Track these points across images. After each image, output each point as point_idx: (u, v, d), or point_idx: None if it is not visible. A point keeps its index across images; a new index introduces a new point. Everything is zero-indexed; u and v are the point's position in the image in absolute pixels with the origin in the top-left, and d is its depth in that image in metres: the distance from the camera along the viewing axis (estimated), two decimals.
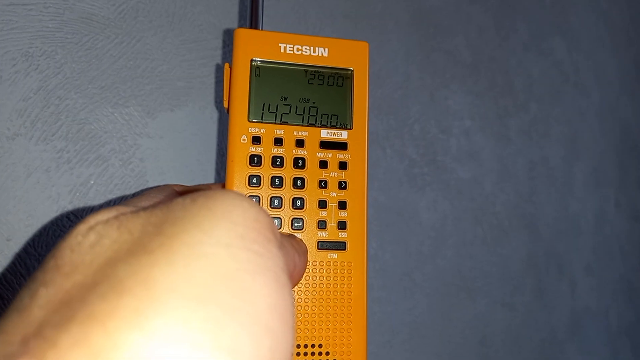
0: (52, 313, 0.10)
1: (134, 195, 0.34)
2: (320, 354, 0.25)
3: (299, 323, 0.24)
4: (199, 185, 0.26)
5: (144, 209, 0.13)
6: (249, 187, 0.25)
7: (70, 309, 0.10)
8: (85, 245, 0.12)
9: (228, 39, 0.39)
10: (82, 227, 0.13)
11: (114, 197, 0.33)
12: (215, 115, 0.38)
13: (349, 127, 0.27)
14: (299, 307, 0.25)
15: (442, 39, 0.50)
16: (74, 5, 0.35)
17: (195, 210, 0.13)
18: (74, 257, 0.12)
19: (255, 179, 0.25)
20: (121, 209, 0.14)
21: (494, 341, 0.47)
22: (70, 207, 0.32)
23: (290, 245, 0.19)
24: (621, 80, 0.62)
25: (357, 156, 0.27)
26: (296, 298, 0.25)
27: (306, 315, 0.25)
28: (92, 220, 0.13)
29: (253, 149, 0.25)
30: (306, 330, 0.25)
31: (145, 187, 0.35)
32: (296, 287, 0.25)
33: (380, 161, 0.45)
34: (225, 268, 0.11)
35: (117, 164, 0.34)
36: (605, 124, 0.59)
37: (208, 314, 0.11)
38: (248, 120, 0.25)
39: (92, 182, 0.33)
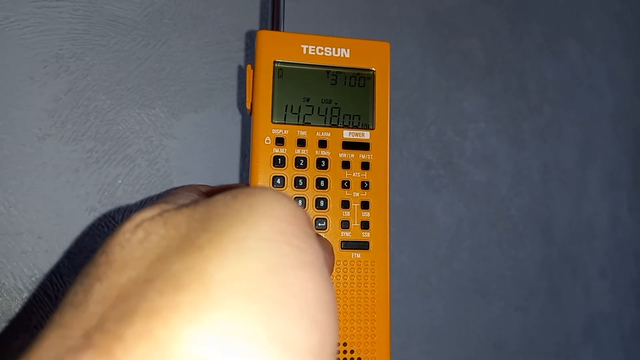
0: (111, 308, 0.11)
1: (160, 195, 0.35)
2: (345, 352, 0.25)
3: None
4: (223, 185, 0.27)
5: (185, 205, 0.14)
6: (273, 187, 0.25)
7: (129, 304, 0.11)
8: (134, 242, 0.13)
9: (250, 41, 0.40)
10: (129, 225, 0.13)
11: (141, 196, 0.35)
12: (236, 116, 0.39)
13: (371, 127, 0.27)
14: None
15: (457, 41, 0.51)
16: (102, 8, 0.36)
17: (237, 207, 0.13)
18: (124, 253, 0.13)
19: (279, 179, 0.25)
20: (163, 207, 0.14)
21: (508, 344, 0.48)
22: (98, 207, 0.33)
23: (321, 243, 0.20)
24: (635, 83, 0.62)
25: (380, 156, 0.27)
26: None
27: None
28: (138, 217, 0.14)
29: (277, 150, 0.26)
30: None
31: (170, 187, 0.36)
32: None
33: (397, 163, 0.46)
34: (270, 262, 0.12)
35: (143, 164, 0.35)
36: (619, 127, 0.59)
37: (260, 308, 0.11)
38: (271, 121, 0.26)
39: (120, 181, 0.34)
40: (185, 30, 0.38)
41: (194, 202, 0.14)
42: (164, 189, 0.35)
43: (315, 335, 0.12)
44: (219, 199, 0.14)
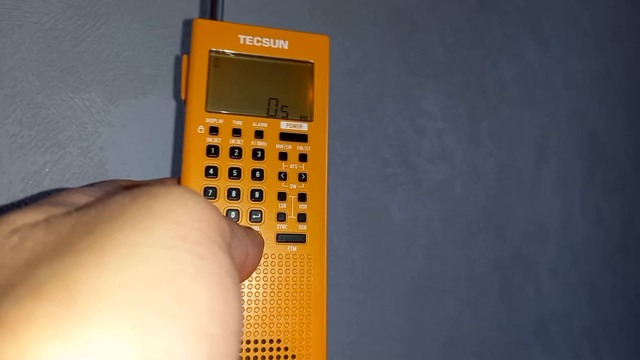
0: None
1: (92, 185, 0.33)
2: (279, 349, 0.25)
3: (256, 318, 0.25)
4: (150, 180, 0.26)
5: (78, 208, 0.13)
6: (205, 178, 0.25)
7: None
8: (6, 248, 0.11)
9: (187, 30, 0.39)
10: (4, 228, 0.12)
11: (71, 186, 0.33)
12: (182, 105, 0.38)
13: (309, 119, 0.27)
14: (257, 302, 0.25)
15: (418, 38, 0.51)
16: None
17: (134, 209, 0.12)
18: None
19: (212, 169, 0.25)
20: (51, 210, 0.13)
21: (460, 343, 0.48)
22: (22, 196, 0.31)
23: (245, 235, 0.19)
24: (591, 85, 0.64)
25: (318, 148, 0.27)
26: (254, 292, 0.25)
27: (264, 310, 0.25)
28: (18, 221, 0.12)
29: (210, 140, 0.25)
30: (264, 325, 0.25)
31: (105, 177, 0.34)
32: (254, 280, 0.25)
33: (353, 159, 0.46)
34: (163, 271, 0.11)
35: (75, 152, 0.33)
36: (574, 128, 0.61)
37: (139, 320, 0.10)
38: (205, 110, 0.25)
39: (47, 170, 0.32)
40: (128, 11, 0.37)
41: (89, 204, 0.13)
42: (98, 179, 0.34)
43: (203, 349, 0.11)
44: (116, 199, 0.12)
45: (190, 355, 0.10)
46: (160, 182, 0.24)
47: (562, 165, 0.59)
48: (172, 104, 0.37)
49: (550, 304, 0.54)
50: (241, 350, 0.24)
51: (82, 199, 0.15)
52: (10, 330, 0.09)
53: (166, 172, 0.37)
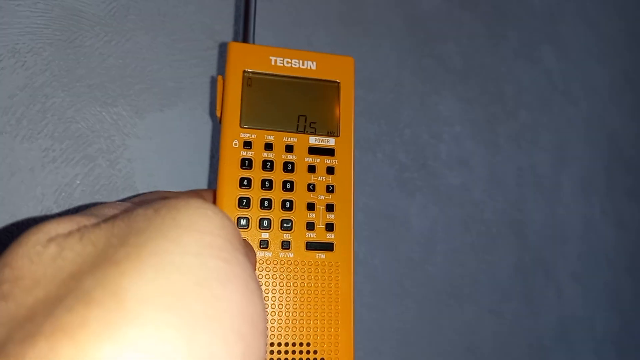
0: (16, 329, 0.10)
1: (125, 197, 0.34)
2: (308, 352, 0.26)
3: (287, 321, 0.25)
4: (188, 191, 0.27)
5: (105, 220, 0.13)
6: (240, 188, 0.26)
7: (35, 324, 0.10)
8: (46, 257, 0.12)
9: (222, 51, 0.40)
10: (40, 237, 0.13)
11: (101, 197, 0.34)
12: (205, 116, 0.39)
13: (336, 134, 0.29)
14: (288, 306, 0.25)
15: (434, 45, 0.52)
16: (63, 2, 0.35)
17: (158, 221, 0.13)
18: (34, 269, 0.12)
19: (246, 181, 0.26)
20: (81, 220, 0.14)
21: (481, 348, 0.48)
22: (54, 207, 0.33)
23: (246, 244, 0.20)
24: (609, 90, 0.64)
25: (344, 162, 0.28)
26: (285, 297, 0.26)
27: (295, 314, 0.26)
28: (52, 230, 0.13)
29: (244, 153, 0.27)
30: (294, 329, 0.25)
31: (132, 188, 0.35)
32: (285, 286, 0.26)
33: (371, 166, 0.46)
34: (195, 277, 0.12)
35: (104, 164, 0.34)
36: (593, 133, 0.61)
37: (180, 323, 0.11)
38: (240, 126, 0.27)
39: (78, 182, 0.33)
40: (152, 27, 0.38)
41: (114, 217, 0.14)
42: (126, 190, 0.35)
43: (238, 349, 0.12)
44: (140, 212, 0.13)
45: (228, 353, 0.11)
46: (197, 193, 0.25)
47: (581, 169, 0.59)
48: (196, 116, 0.38)
49: (571, 308, 0.54)
50: (272, 352, 0.25)
51: (110, 211, 0.16)
52: (67, 334, 0.10)
53: (190, 182, 0.38)
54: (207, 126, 0.39)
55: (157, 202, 0.14)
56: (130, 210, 0.14)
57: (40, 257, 0.12)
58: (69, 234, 0.13)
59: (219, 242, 0.13)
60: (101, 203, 0.17)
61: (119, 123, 0.35)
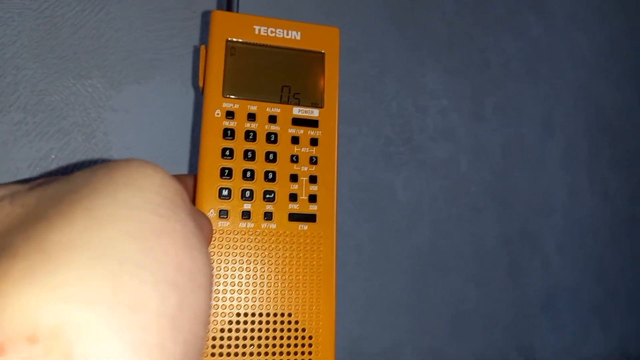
0: None
1: None
2: (289, 322, 0.26)
3: (269, 292, 0.26)
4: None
5: (40, 184, 0.14)
6: (222, 159, 0.26)
7: None
8: None
9: (206, 21, 0.39)
10: None
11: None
12: (184, 89, 0.38)
13: (320, 105, 0.29)
14: (269, 277, 0.26)
15: (419, 13, 0.51)
16: None
17: (95, 180, 0.13)
18: None
19: (228, 151, 0.26)
20: (16, 187, 0.14)
21: (467, 317, 0.50)
22: None
23: (199, 211, 0.20)
24: (595, 59, 0.64)
25: (328, 133, 0.29)
26: (267, 268, 0.26)
27: (276, 285, 0.26)
28: None
29: (227, 123, 0.27)
30: (276, 300, 0.26)
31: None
32: (267, 257, 0.26)
33: (356, 139, 0.46)
34: (129, 228, 0.12)
35: (79, 138, 0.34)
36: (579, 103, 0.62)
37: (107, 271, 0.11)
38: (222, 95, 0.27)
39: (53, 156, 0.33)
40: None
41: (48, 181, 0.14)
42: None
43: (172, 298, 0.12)
44: (77, 175, 0.13)
45: (159, 301, 0.12)
46: (177, 178, 0.25)
47: (568, 140, 0.59)
48: (175, 88, 0.38)
49: (558, 279, 0.56)
50: (254, 323, 0.25)
51: (51, 179, 0.16)
52: None
53: (169, 155, 0.38)
54: (187, 99, 0.38)
55: (98, 165, 0.14)
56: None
57: None
58: (1, 198, 0.13)
59: (157, 199, 0.13)
60: None
61: (94, 95, 0.35)
